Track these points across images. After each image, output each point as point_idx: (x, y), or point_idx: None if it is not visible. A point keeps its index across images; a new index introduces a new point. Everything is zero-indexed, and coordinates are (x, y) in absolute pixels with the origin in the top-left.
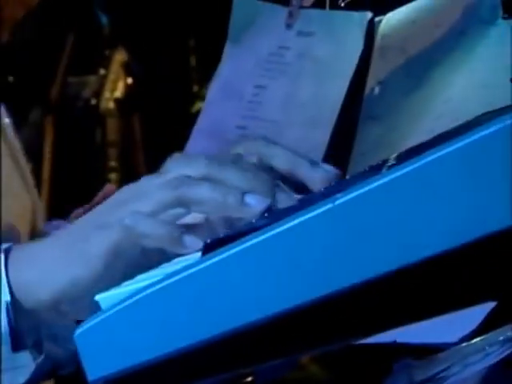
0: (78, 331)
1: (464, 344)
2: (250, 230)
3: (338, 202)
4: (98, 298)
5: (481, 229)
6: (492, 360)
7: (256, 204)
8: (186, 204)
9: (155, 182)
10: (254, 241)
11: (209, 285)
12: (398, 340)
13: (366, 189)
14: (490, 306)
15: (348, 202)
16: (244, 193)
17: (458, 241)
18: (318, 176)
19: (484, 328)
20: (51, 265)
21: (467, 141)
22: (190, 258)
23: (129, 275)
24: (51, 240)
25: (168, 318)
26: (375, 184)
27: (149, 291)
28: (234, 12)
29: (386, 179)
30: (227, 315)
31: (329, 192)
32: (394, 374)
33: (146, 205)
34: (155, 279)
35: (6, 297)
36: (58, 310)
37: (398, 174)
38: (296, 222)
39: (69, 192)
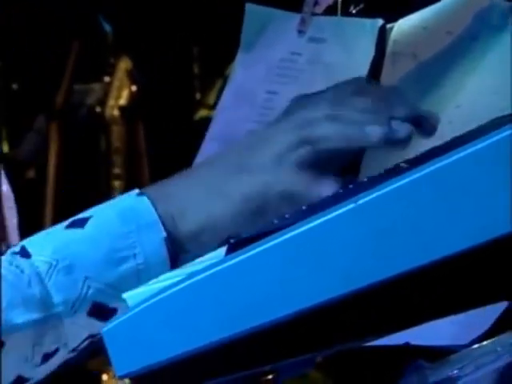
0: (106, 328)
1: (476, 346)
2: (273, 229)
3: (360, 202)
4: (125, 295)
5: (498, 229)
6: (504, 361)
7: (375, 133)
8: (311, 142)
9: (281, 126)
10: (277, 241)
11: (232, 283)
12: (411, 342)
13: (387, 189)
14: (500, 308)
15: (370, 201)
16: (363, 124)
17: (475, 240)
18: None
19: (495, 330)
20: (192, 200)
21: (485, 143)
22: (214, 257)
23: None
24: (192, 177)
25: (193, 316)
26: (396, 185)
27: (174, 289)
28: (246, 19)
29: (406, 180)
30: (251, 313)
31: (347, 193)
32: (406, 375)
33: (274, 147)
34: (181, 278)
35: (163, 233)
36: (199, 240)
37: (418, 175)
38: (318, 221)
39: (73, 198)
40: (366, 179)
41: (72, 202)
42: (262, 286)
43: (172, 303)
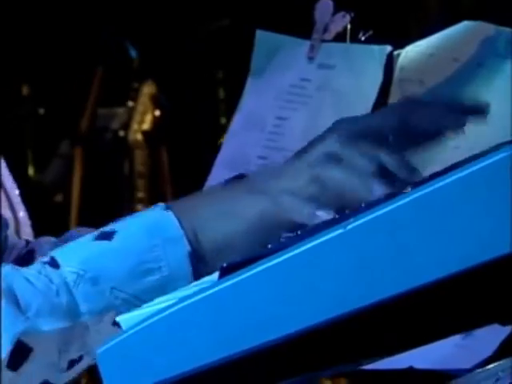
0: (100, 350)
1: (478, 370)
2: (264, 254)
3: (349, 227)
4: (118, 319)
5: (492, 251)
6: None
7: (377, 190)
8: (320, 181)
9: (294, 163)
10: (267, 265)
11: (224, 306)
12: (414, 366)
13: (375, 215)
14: (503, 334)
15: (358, 227)
16: (370, 176)
17: (464, 264)
18: None
19: (498, 355)
20: (209, 219)
21: (472, 169)
22: (207, 282)
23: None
24: (207, 197)
25: (185, 339)
26: (382, 211)
27: (167, 312)
28: (256, 45)
29: (393, 206)
30: (243, 336)
31: (342, 218)
32: None
33: (285, 182)
34: (174, 301)
35: (187, 248)
36: (219, 256)
37: (405, 200)
38: (308, 246)
39: (97, 222)
40: (363, 205)
41: (96, 225)
42: (254, 309)
43: (165, 326)
